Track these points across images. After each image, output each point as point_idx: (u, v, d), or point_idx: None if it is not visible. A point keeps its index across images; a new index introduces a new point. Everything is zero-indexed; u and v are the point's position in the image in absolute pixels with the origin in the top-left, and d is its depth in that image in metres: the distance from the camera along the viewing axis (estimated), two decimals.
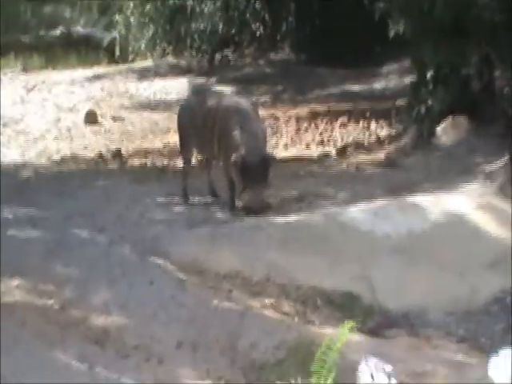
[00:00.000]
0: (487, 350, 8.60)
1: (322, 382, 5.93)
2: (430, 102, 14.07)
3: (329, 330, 9.06)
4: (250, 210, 11.42)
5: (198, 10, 18.67)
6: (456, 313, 9.75)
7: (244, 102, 12.78)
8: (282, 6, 16.72)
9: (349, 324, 6.16)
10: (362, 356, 6.54)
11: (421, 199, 11.35)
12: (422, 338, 9.27)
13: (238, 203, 11.87)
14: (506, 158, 11.45)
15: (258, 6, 17.01)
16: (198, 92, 13.49)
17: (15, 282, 10.11)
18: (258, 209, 11.45)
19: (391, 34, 14.17)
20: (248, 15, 17.09)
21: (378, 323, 9.68)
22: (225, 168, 12.05)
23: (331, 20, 16.14)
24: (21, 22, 27.30)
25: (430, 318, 9.73)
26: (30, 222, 12.34)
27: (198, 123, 12.18)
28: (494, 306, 9.83)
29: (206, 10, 18.04)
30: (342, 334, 6.12)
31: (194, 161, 13.38)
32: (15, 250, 11.15)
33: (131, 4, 20.33)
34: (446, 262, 10.35)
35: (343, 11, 15.97)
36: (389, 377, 6.27)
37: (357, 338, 9.01)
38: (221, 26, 17.50)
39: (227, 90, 15.36)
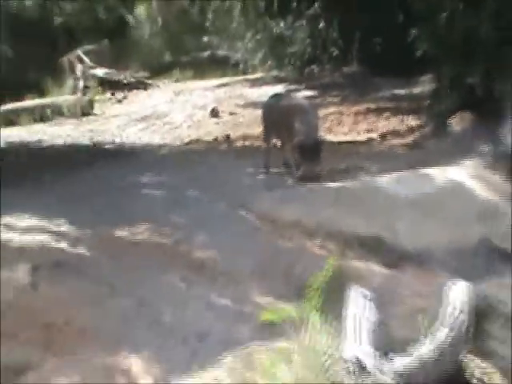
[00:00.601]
0: (472, 278, 8.84)
1: (313, 303, 6.43)
2: (445, 103, 14.91)
3: (360, 264, 10.31)
4: (306, 179, 12.35)
5: (292, 37, 19.61)
6: (452, 251, 10.28)
7: (304, 103, 13.72)
8: (350, 34, 17.09)
9: (331, 259, 6.89)
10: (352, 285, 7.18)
11: (432, 171, 11.96)
12: (426, 269, 9.88)
13: (299, 173, 12.74)
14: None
15: (335, 34, 17.48)
16: (276, 95, 14.14)
17: (144, 226, 11.06)
18: (312, 178, 12.35)
19: (419, 53, 14.94)
20: (327, 41, 17.71)
21: (396, 258, 10.52)
22: (291, 149, 13.03)
23: (385, 42, 16.54)
24: (183, 47, 28.39)
25: (434, 254, 10.28)
26: (159, 185, 13.45)
27: (274, 117, 13.27)
28: (478, 246, 10.43)
29: (298, 37, 18.84)
30: (327, 269, 6.76)
31: (273, 143, 14.15)
32: (146, 204, 12.26)
33: (249, 34, 20.98)
34: (447, 215, 10.85)
35: (393, 36, 16.04)
36: (366, 298, 7.06)
37: (378, 269, 10.12)
38: (308, 49, 18.12)
39: (299, 94, 16.33)
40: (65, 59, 18.59)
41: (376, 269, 9.52)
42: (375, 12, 15.41)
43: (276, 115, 13.00)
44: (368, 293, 7.11)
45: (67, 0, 23.20)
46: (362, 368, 5.78)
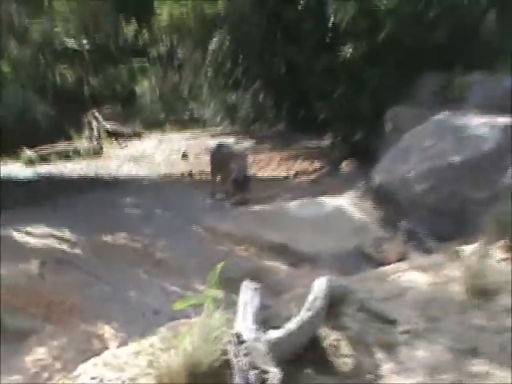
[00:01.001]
0: (347, 273, 9.25)
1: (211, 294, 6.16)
2: (338, 152, 15.01)
3: (271, 263, 10.46)
4: (238, 204, 12.65)
5: (241, 105, 19.50)
6: (335, 255, 10.69)
7: (238, 150, 14.02)
8: (280, 104, 17.02)
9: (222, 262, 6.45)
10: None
11: (325, 199, 12.31)
12: (316, 267, 10.07)
13: (233, 200, 12.85)
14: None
15: (270, 103, 17.43)
16: (219, 145, 14.22)
17: (123, 234, 11.66)
18: (242, 203, 12.84)
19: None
20: (265, 108, 17.73)
21: (296, 260, 10.61)
22: (228, 182, 13.28)
23: (303, 110, 16.45)
24: (173, 109, 25.92)
25: (323, 257, 10.64)
26: (136, 205, 13.76)
27: (218, 159, 13.49)
28: (353, 251, 10.79)
29: (244, 105, 18.80)
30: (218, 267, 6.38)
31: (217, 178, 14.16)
32: (126, 218, 12.69)
33: (212, 103, 20.77)
34: (333, 229, 11.29)
35: (307, 106, 15.99)
36: (254, 291, 6.91)
37: (283, 267, 10.24)
38: (251, 113, 18.12)
39: (234, 143, 16.21)
40: (85, 116, 18.42)
41: (282, 267, 9.55)
42: (295, 92, 15.04)
43: (219, 158, 13.14)
44: (255, 285, 6.98)
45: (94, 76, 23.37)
46: (240, 339, 5.70)
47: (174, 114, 21.60)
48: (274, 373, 5.34)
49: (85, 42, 22.97)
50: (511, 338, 6.78)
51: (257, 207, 12.09)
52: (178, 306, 6.15)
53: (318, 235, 10.86)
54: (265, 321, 6.63)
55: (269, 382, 5.31)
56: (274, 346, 5.94)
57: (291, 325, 6.39)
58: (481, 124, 11.25)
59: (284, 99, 15.60)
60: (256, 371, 5.36)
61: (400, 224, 10.20)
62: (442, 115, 11.64)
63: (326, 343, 6.74)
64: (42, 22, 17.84)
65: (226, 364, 5.56)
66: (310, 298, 6.88)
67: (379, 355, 6.70)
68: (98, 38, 21.76)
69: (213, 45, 15.63)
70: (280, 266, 9.86)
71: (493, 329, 7.09)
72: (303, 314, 6.56)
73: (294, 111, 15.62)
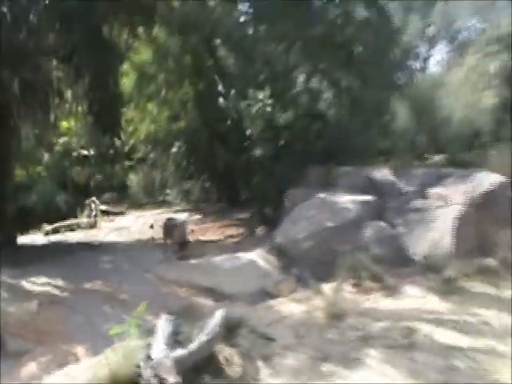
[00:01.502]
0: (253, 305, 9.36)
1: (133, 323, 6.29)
2: (254, 223, 14.99)
3: (202, 300, 10.27)
4: (181, 258, 12.44)
5: (193, 190, 19.35)
6: (246, 293, 10.26)
7: (180, 220, 13.78)
8: (218, 190, 17.01)
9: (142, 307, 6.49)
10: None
11: (242, 254, 12.08)
12: (233, 303, 9.83)
13: (178, 256, 12.68)
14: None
15: (213, 189, 17.38)
16: (169, 218, 13.96)
17: (99, 282, 11.51)
18: (184, 258, 12.47)
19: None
20: (209, 192, 17.64)
21: (220, 298, 10.40)
22: (174, 244, 12.90)
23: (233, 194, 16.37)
24: (153, 195, 26.22)
25: (238, 295, 10.17)
26: (111, 262, 13.46)
27: (167, 228, 13.33)
28: (259, 291, 10.40)
29: (195, 190, 18.72)
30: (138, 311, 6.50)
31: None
32: (102, 271, 12.50)
33: (175, 189, 20.56)
34: (245, 275, 11.17)
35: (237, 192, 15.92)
36: (169, 321, 7.02)
37: (210, 302, 10.06)
38: (200, 196, 17.96)
39: (182, 217, 15.31)
40: (87, 202, 18.33)
41: (209, 303, 9.38)
42: (229, 181, 15.10)
43: (168, 227, 12.97)
44: (170, 317, 6.76)
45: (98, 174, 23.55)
46: (149, 357, 5.84)
47: (151, 198, 21.28)
48: (173, 382, 5.41)
49: (91, 151, 23.21)
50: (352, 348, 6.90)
51: (194, 261, 11.81)
52: (113, 331, 6.14)
53: (236, 280, 10.51)
54: (180, 342, 6.60)
55: None
56: (179, 361, 5.98)
57: (193, 345, 6.41)
58: (347, 200, 11.35)
59: (222, 186, 15.52)
60: (157, 379, 5.40)
61: (292, 270, 9.93)
62: (322, 194, 11.58)
63: (221, 357, 6.63)
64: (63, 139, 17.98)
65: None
66: (210, 324, 6.77)
67: (260, 364, 6.58)
68: (99, 148, 21.86)
69: (174, 150, 15.54)
70: (208, 302, 9.58)
71: (340, 341, 7.01)
72: (203, 337, 6.48)
73: (228, 194, 15.53)
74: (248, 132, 13.99)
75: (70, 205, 20.74)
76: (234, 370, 6.78)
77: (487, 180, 11.74)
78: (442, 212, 11.48)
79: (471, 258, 9.64)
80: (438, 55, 41.47)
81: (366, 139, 17.05)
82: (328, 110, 16.01)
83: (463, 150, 19.84)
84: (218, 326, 6.94)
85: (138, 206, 22.19)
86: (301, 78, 15.19)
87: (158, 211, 19.49)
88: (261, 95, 13.62)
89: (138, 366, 5.69)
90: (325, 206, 11.72)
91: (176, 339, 6.75)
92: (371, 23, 16.36)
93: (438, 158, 23.80)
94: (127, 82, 17.02)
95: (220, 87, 15.70)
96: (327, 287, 8.54)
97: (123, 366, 5.80)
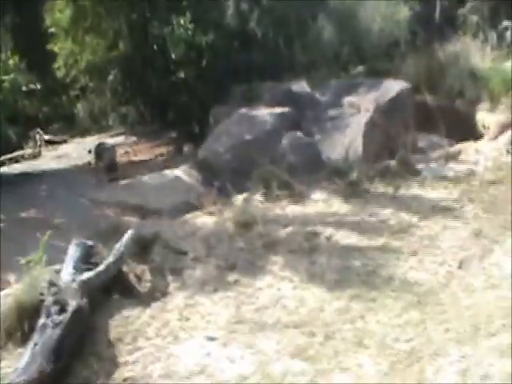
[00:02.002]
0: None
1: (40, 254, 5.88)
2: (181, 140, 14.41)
3: (131, 218, 9.75)
4: (111, 180, 11.79)
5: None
6: (171, 208, 9.73)
7: (109, 144, 13.16)
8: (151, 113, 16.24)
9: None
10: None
11: (167, 171, 11.71)
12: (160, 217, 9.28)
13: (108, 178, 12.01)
14: None
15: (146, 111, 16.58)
16: (99, 143, 13.43)
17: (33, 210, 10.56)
18: (113, 180, 11.75)
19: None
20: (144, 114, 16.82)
21: (146, 213, 9.93)
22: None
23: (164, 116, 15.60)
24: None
25: (164, 210, 9.60)
26: (47, 189, 12.60)
27: (98, 152, 12.71)
28: (183, 204, 9.71)
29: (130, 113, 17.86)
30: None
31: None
32: (39, 196, 11.72)
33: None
34: (171, 191, 10.69)
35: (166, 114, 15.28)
36: (78, 246, 6.59)
37: (137, 220, 9.55)
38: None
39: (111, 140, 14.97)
40: (32, 133, 17.40)
41: (136, 220, 8.82)
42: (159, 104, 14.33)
43: (99, 151, 12.32)
44: (80, 241, 6.67)
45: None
46: (51, 283, 5.51)
47: (96, 124, 20.34)
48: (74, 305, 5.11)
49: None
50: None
51: (124, 181, 11.24)
52: (26, 260, 5.81)
53: (162, 196, 10.06)
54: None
55: (68, 310, 5.04)
56: (86, 283, 5.66)
57: (100, 267, 6.06)
58: (265, 114, 11.00)
59: (154, 108, 14.74)
60: (57, 306, 5.05)
61: (214, 183, 9.46)
62: (243, 110, 11.08)
63: (132, 275, 6.20)
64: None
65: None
66: (117, 245, 6.33)
67: (170, 278, 6.19)
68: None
69: (111, 77, 14.69)
70: (134, 220, 9.06)
71: (248, 250, 6.62)
72: (110, 258, 6.05)
73: (160, 115, 14.78)
74: (172, 54, 13.31)
75: (21, 137, 19.72)
76: (144, 286, 6.37)
77: (393, 87, 11.28)
78: (354, 119, 11.04)
79: (379, 161, 9.22)
80: None
81: (290, 55, 16.38)
82: (252, 29, 15.15)
83: (382, 60, 19.21)
84: (124, 246, 6.42)
85: (85, 132, 21.24)
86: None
87: (98, 137, 18.59)
88: (182, 20, 12.81)
89: (42, 294, 5.19)
90: (244, 121, 11.29)
91: (90, 262, 6.32)
92: None
93: (360, 68, 23.28)
94: (63, 17, 15.94)
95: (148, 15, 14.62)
96: (239, 198, 8.04)
97: (28, 294, 5.36)
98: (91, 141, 17.32)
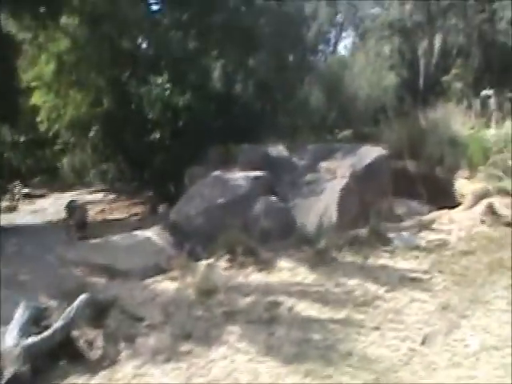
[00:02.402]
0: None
1: None
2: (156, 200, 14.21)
3: (98, 279, 9.48)
4: (80, 239, 11.51)
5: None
6: (140, 270, 9.57)
7: (79, 202, 12.91)
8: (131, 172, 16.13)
9: None
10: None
11: (138, 232, 11.37)
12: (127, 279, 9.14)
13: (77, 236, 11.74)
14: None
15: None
16: (70, 201, 13.21)
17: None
18: (83, 238, 11.50)
19: None
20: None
21: (114, 275, 9.71)
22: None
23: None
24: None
25: (132, 272, 9.43)
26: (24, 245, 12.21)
27: (69, 210, 12.43)
28: (153, 266, 9.59)
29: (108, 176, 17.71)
30: None
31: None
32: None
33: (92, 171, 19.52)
34: (141, 252, 10.48)
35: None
36: (26, 308, 6.42)
37: (104, 281, 9.29)
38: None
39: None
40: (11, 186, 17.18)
41: (102, 281, 8.60)
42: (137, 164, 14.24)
43: (70, 209, 12.08)
44: (28, 304, 6.10)
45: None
46: None
47: (79, 179, 20.18)
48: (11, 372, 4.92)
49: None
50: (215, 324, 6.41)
51: (94, 240, 10.97)
52: None
53: (131, 257, 9.82)
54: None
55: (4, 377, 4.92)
56: (30, 348, 5.52)
57: (47, 331, 5.88)
58: (239, 177, 10.87)
59: (134, 166, 14.59)
60: None
61: (184, 246, 9.24)
62: (217, 172, 10.93)
63: (82, 340, 5.93)
64: None
65: None
66: (68, 310, 6.07)
67: (122, 345, 5.91)
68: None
69: (92, 133, 14.58)
70: (100, 281, 8.80)
71: (206, 319, 6.36)
72: (58, 323, 5.80)
73: (139, 175, 14.65)
74: (149, 115, 13.33)
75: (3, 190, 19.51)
76: (95, 352, 6.12)
77: (370, 153, 11.23)
78: (330, 184, 10.91)
79: (354, 228, 9.01)
80: (347, 40, 41.50)
81: (273, 118, 16.49)
82: (234, 91, 15.25)
83: (369, 125, 19.47)
84: (75, 311, 6.18)
85: (68, 187, 21.09)
86: (207, 62, 14.33)
87: (79, 192, 18.37)
88: (160, 80, 12.79)
89: None
90: (218, 184, 11.12)
91: (41, 325, 6.24)
92: (272, 10, 15.92)
93: (346, 132, 23.55)
94: (47, 70, 15.97)
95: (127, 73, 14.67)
96: (203, 263, 7.81)
97: None
98: (71, 196, 17.16)
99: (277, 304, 6.70)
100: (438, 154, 13.03)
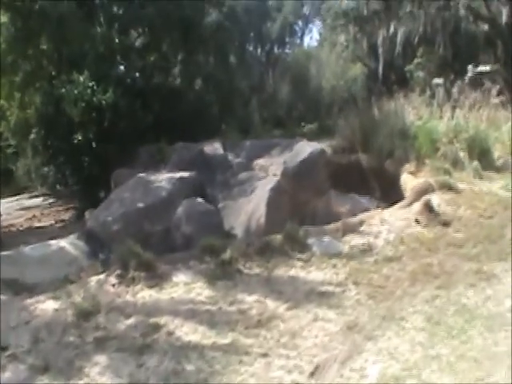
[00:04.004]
0: None
1: None
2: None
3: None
4: None
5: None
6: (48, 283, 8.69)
7: None
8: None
9: None
10: None
11: (53, 241, 10.31)
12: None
13: None
14: None
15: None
16: None
17: None
18: None
19: None
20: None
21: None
22: None
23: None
24: None
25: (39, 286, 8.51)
26: None
27: None
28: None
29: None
30: None
31: None
32: None
33: None
34: (52, 264, 9.50)
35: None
36: None
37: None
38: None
39: None
40: None
41: (4, 297, 7.65)
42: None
43: None
44: None
45: None
46: None
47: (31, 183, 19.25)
48: None
49: None
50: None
51: (5, 253, 9.89)
52: None
53: (41, 270, 8.82)
54: None
55: None
56: None
57: None
58: (163, 179, 9.76)
59: (73, 170, 13.63)
60: None
61: (99, 255, 8.30)
62: (142, 174, 9.95)
63: None
64: None
65: None
66: None
67: None
68: None
69: (32, 137, 13.62)
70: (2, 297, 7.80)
71: (76, 345, 5.39)
72: None
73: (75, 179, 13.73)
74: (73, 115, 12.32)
75: None
76: None
77: (305, 149, 10.32)
78: (260, 183, 9.99)
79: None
80: (314, 31, 40.98)
81: (221, 114, 15.63)
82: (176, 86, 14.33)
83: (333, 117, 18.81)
84: None
85: (21, 190, 20.17)
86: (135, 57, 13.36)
87: (18, 197, 17.37)
88: (82, 78, 11.85)
89: None
90: (139, 186, 10.21)
91: None
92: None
93: (312, 125, 22.95)
94: None
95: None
96: (93, 279, 6.87)
97: None
98: (6, 202, 16.15)
99: (157, 327, 5.77)
100: (389, 146, 12.11)
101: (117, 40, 13.48)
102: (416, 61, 19.21)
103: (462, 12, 16.16)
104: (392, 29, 16.90)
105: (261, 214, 9.64)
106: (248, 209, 9.94)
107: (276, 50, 28.98)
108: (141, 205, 9.84)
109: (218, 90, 15.13)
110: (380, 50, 18.20)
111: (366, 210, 9.85)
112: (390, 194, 10.42)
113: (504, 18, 16.20)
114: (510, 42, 16.94)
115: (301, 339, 5.53)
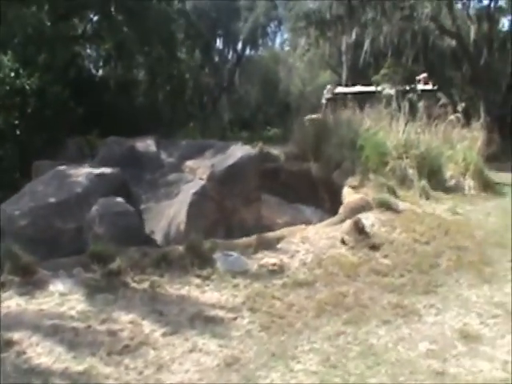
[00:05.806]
0: None
1: None
2: None
3: None
4: None
5: None
6: None
7: None
8: None
9: None
10: None
11: None
12: None
13: None
14: None
15: None
16: None
17: None
18: None
19: None
20: None
21: None
22: None
23: None
24: None
25: None
26: None
27: None
28: None
29: None
30: None
31: None
32: None
33: None
34: None
35: None
36: None
37: None
38: None
39: None
40: None
41: None
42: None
43: None
44: None
45: None
46: None
47: None
48: None
49: None
50: None
51: None
52: None
53: None
54: None
55: None
56: None
57: None
58: (82, 173, 9.07)
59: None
60: None
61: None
62: (62, 167, 9.04)
63: None
64: None
65: None
66: None
67: None
68: None
69: None
70: None
71: None
72: None
73: None
74: None
75: None
76: None
77: (236, 153, 9.51)
78: (186, 187, 9.15)
79: (208, 238, 7.22)
80: (285, 34, 40.19)
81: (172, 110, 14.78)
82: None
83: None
84: None
85: None
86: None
87: None
88: (6, 59, 10.94)
89: None
90: (55, 180, 9.29)
91: None
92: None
93: (277, 129, 22.37)
94: None
95: None
96: None
97: None
98: None
99: (9, 344, 4.96)
100: (338, 156, 11.47)
101: (49, 24, 12.35)
102: (383, 71, 18.55)
103: (428, 24, 15.46)
104: (354, 36, 16.10)
105: (181, 220, 8.85)
106: (169, 213, 9.10)
107: (248, 50, 28.23)
108: (52, 200, 8.95)
109: (167, 85, 14.16)
110: (344, 58, 17.41)
111: (307, 222, 9.09)
112: (337, 207, 9.71)
113: (472, 35, 15.59)
114: (476, 59, 16.38)
115: (167, 373, 4.69)
